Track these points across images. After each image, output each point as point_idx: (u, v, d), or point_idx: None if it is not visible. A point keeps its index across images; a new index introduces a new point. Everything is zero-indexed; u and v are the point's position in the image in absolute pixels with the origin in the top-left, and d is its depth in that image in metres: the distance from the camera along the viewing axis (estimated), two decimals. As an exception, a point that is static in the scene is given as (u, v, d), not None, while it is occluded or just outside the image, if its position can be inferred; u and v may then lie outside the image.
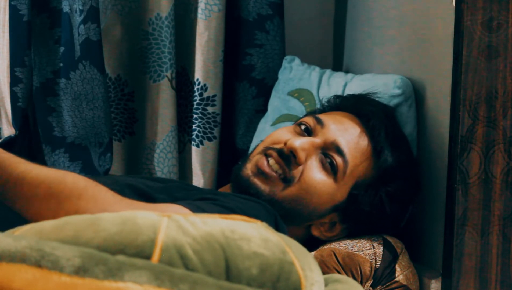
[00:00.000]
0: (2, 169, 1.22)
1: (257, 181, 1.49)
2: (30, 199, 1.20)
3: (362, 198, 1.51)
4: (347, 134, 1.52)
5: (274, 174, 1.49)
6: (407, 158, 1.57)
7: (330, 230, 1.55)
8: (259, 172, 1.49)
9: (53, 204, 1.19)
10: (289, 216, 1.47)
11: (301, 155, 1.48)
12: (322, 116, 1.56)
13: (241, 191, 1.50)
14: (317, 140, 1.51)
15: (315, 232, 1.54)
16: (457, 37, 1.42)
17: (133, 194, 1.34)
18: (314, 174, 1.49)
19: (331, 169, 1.49)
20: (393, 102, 1.65)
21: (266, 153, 1.51)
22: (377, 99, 1.64)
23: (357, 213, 1.52)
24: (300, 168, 1.49)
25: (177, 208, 1.24)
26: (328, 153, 1.50)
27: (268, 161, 1.50)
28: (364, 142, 1.53)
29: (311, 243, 1.51)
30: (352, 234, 1.54)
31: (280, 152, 1.50)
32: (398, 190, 1.54)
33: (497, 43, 1.40)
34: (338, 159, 1.49)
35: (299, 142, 1.49)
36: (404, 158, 1.56)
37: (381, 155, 1.52)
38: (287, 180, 1.49)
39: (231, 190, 1.55)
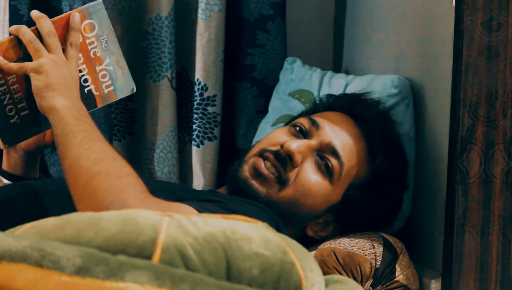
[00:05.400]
0: (65, 124, 1.31)
1: (254, 183, 1.50)
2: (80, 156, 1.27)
3: (357, 199, 1.53)
4: (342, 135, 1.53)
5: (271, 175, 1.50)
6: (400, 159, 1.59)
7: (324, 229, 1.56)
8: (257, 174, 1.50)
9: (94, 170, 1.24)
10: (285, 218, 1.48)
11: (298, 158, 1.50)
12: (316, 118, 1.57)
13: (238, 193, 1.50)
14: (312, 142, 1.52)
15: (310, 233, 1.56)
16: (457, 37, 1.42)
17: None
18: (310, 175, 1.50)
19: (327, 171, 1.51)
20: (390, 101, 1.65)
21: (263, 156, 1.52)
22: (375, 98, 1.64)
23: (351, 213, 1.54)
24: (296, 170, 1.50)
25: (186, 208, 1.26)
26: (324, 155, 1.51)
27: (265, 164, 1.51)
28: (359, 144, 1.54)
29: (305, 243, 1.51)
30: (344, 232, 1.55)
31: (276, 154, 1.51)
32: (390, 190, 1.56)
33: (497, 43, 1.40)
34: (333, 161, 1.51)
35: (296, 145, 1.50)
36: (398, 159, 1.58)
37: (376, 157, 1.54)
38: (282, 182, 1.49)
39: (226, 192, 1.56)
